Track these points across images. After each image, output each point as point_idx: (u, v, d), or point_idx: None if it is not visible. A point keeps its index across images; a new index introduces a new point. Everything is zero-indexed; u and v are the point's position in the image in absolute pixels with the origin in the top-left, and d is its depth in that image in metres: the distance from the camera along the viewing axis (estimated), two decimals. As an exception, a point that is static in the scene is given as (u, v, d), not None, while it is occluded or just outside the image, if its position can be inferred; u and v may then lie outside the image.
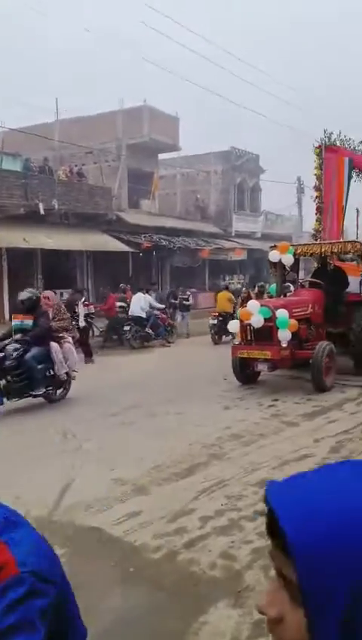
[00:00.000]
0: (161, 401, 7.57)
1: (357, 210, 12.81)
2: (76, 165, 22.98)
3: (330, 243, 9.43)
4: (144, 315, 14.99)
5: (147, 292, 15.94)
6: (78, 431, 6.34)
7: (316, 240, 10.45)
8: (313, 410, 6.93)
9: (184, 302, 17.19)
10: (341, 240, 9.83)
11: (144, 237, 21.56)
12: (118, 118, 24.49)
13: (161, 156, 27.43)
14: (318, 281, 9.57)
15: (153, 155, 26.37)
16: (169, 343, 14.96)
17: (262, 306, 8.04)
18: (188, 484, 4.62)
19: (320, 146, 11.51)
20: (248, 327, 8.06)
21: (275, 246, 9.48)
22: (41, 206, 17.33)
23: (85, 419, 6.88)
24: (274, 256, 9.39)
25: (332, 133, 11.78)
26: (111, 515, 4.05)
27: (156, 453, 5.44)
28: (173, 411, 7.15)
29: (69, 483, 4.72)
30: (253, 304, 8.20)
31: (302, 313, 8.43)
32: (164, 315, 15.42)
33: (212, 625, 2.76)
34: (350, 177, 11.78)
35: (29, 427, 6.63)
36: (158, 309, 15.35)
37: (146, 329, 14.38)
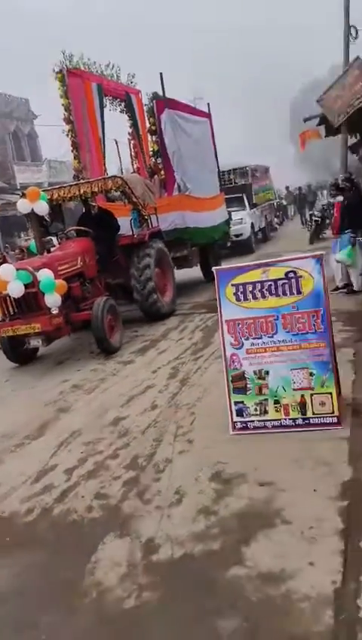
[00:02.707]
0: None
1: (116, 142, 11.44)
2: None
3: (88, 182, 8.13)
4: None
5: None
6: None
7: (79, 181, 9.01)
8: (143, 346, 7.22)
9: None
10: (99, 177, 8.51)
11: None
12: None
13: None
14: (83, 228, 8.37)
15: None
16: None
17: (18, 269, 6.54)
18: (42, 443, 4.54)
19: (61, 70, 9.74)
20: (7, 298, 6.64)
21: (24, 194, 7.79)
22: None
23: None
24: (23, 206, 7.70)
25: (72, 55, 10.02)
26: (-31, 496, 3.81)
27: (-1, 422, 5.19)
28: (3, 378, 6.81)
29: None
30: (6, 269, 6.53)
31: (72, 269, 7.28)
32: None
33: (105, 560, 2.85)
34: (102, 106, 10.40)
35: None
36: None
37: None
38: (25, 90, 32.08)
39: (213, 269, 4.29)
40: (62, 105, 9.83)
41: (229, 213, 13.57)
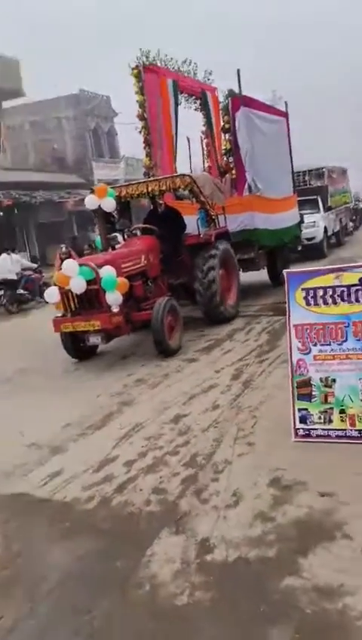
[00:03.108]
0: (54, 362, 7.37)
1: (188, 139, 10.97)
2: None
3: (157, 180, 8.11)
4: (15, 277, 14.37)
5: (12, 252, 15.25)
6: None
7: (148, 178, 9.02)
8: (208, 345, 7.23)
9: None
10: (168, 175, 8.41)
11: (2, 194, 20.18)
12: None
13: (6, 104, 25.43)
14: (149, 226, 8.32)
15: (-4, 103, 24.37)
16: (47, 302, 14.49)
17: (81, 265, 6.54)
18: (104, 434, 4.65)
19: (137, 67, 9.71)
20: (69, 293, 6.62)
21: (92, 190, 7.92)
22: None
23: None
24: (91, 202, 7.78)
25: (149, 51, 9.95)
26: (33, 479, 3.97)
27: (64, 411, 5.36)
28: (72, 368, 7.04)
29: (-20, 457, 4.51)
30: (70, 265, 6.57)
31: (135, 267, 7.19)
32: (38, 274, 14.82)
33: (160, 554, 2.88)
34: (176, 103, 10.27)
35: None
36: (30, 269, 14.80)
37: (18, 290, 13.81)
38: (108, 89, 32.93)
39: (284, 271, 4.22)
40: (137, 101, 9.81)
41: (302, 215, 13.22)
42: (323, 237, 15.72)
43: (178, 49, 11.40)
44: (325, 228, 16.03)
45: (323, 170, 17.38)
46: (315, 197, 16.29)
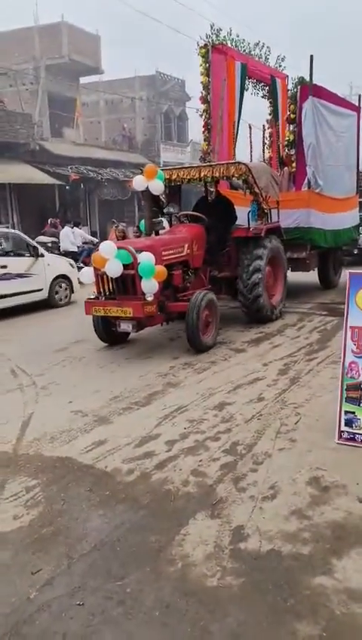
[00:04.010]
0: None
1: (250, 127, 10.38)
2: (-10, 88, 21.18)
3: (210, 166, 7.70)
4: (76, 249, 14.80)
5: (75, 226, 15.71)
6: (26, 368, 6.25)
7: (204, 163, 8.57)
8: (257, 337, 7.20)
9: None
10: (222, 162, 7.96)
11: (70, 169, 20.59)
12: (34, 35, 22.58)
13: (83, 80, 25.80)
14: (197, 214, 7.92)
15: (74, 78, 24.79)
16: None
17: (119, 248, 6.21)
18: (148, 411, 4.73)
19: (206, 45, 9.22)
20: (105, 276, 6.35)
21: (142, 171, 7.52)
22: None
23: (32, 356, 6.76)
24: (139, 183, 7.38)
25: (220, 29, 9.43)
26: (77, 445, 4.10)
27: (112, 384, 5.50)
28: (121, 345, 7.17)
29: (28, 418, 4.70)
30: (108, 246, 6.26)
31: (176, 256, 6.89)
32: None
33: (194, 535, 2.93)
34: (243, 87, 9.78)
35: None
36: (92, 243, 15.17)
37: (79, 263, 14.13)
38: (185, 71, 32.72)
39: (348, 271, 4.13)
40: (201, 83, 9.44)
41: None
42: None
43: (251, 32, 10.76)
44: None
45: None
46: None
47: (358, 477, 3.41)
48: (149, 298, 6.17)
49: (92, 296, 6.65)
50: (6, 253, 9.67)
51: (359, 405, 3.89)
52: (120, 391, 5.28)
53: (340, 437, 3.93)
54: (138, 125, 29.07)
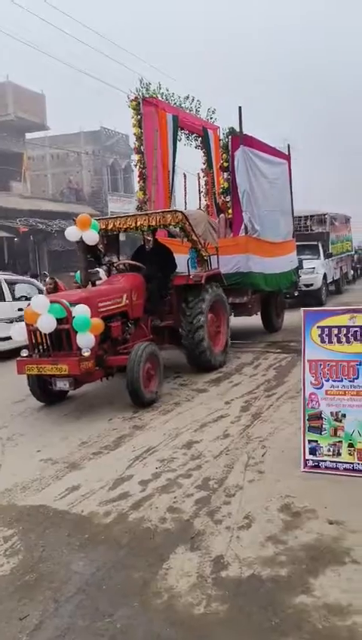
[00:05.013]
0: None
1: (185, 175, 10.39)
2: None
3: (146, 214, 7.55)
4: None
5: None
6: (-12, 420, 6.19)
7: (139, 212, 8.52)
8: (217, 377, 7.42)
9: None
10: (158, 210, 7.89)
11: (19, 221, 20.73)
12: (-21, 94, 23.02)
13: (29, 135, 26.37)
14: (136, 262, 7.69)
15: (20, 134, 25.27)
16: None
17: (52, 302, 5.89)
18: (119, 454, 4.80)
19: (136, 98, 9.59)
20: (38, 331, 5.99)
21: (74, 221, 7.26)
22: None
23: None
24: (72, 233, 7.15)
25: (150, 83, 9.81)
26: (51, 492, 4.12)
27: (79, 430, 5.54)
28: (79, 392, 7.19)
29: (-3, 469, 4.67)
30: (40, 300, 5.94)
31: (114, 307, 6.61)
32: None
33: (176, 568, 3.02)
34: (175, 138, 10.07)
35: None
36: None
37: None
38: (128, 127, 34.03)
39: (302, 309, 4.45)
40: (134, 134, 9.76)
41: (301, 261, 12.98)
42: (321, 284, 15.50)
43: (181, 86, 11.24)
44: (324, 275, 15.84)
45: (326, 216, 17.20)
46: (316, 243, 16.18)
47: (326, 501, 3.61)
48: (86, 353, 5.82)
49: (24, 354, 6.20)
50: None
51: (321, 434, 4.14)
52: (88, 436, 5.32)
53: (305, 465, 4.14)
54: (85, 178, 29.78)
